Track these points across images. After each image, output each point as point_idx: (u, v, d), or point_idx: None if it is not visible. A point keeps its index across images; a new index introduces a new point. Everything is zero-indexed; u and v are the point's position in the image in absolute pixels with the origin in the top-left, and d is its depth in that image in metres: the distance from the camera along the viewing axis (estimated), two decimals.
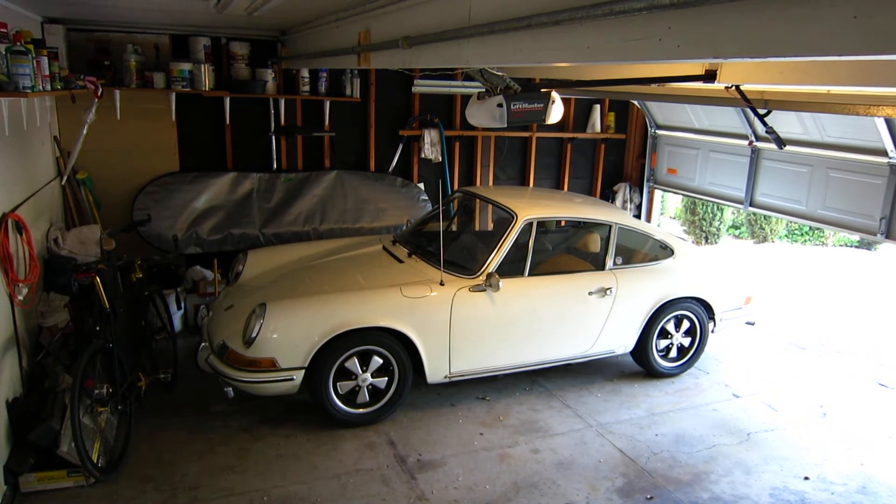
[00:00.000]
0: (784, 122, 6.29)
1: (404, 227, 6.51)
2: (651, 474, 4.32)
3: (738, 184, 7.01)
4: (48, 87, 4.14)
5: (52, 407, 3.96)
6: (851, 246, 12.60)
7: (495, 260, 4.85)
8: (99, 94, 5.28)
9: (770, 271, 10.16)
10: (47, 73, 4.11)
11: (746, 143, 5.83)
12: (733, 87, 4.12)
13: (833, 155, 5.94)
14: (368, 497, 3.93)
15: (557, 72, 5.99)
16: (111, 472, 3.95)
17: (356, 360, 4.52)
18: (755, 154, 6.75)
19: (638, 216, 8.48)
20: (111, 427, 4.30)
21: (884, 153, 5.48)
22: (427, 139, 7.39)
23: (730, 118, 6.84)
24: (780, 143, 4.54)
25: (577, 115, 8.23)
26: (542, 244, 5.62)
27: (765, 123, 4.50)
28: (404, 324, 4.53)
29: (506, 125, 4.87)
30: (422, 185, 7.50)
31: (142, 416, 4.58)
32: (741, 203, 7.02)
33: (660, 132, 8.17)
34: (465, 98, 7.19)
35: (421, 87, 7.30)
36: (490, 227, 6.31)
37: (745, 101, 4.30)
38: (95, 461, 3.84)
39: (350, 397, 4.61)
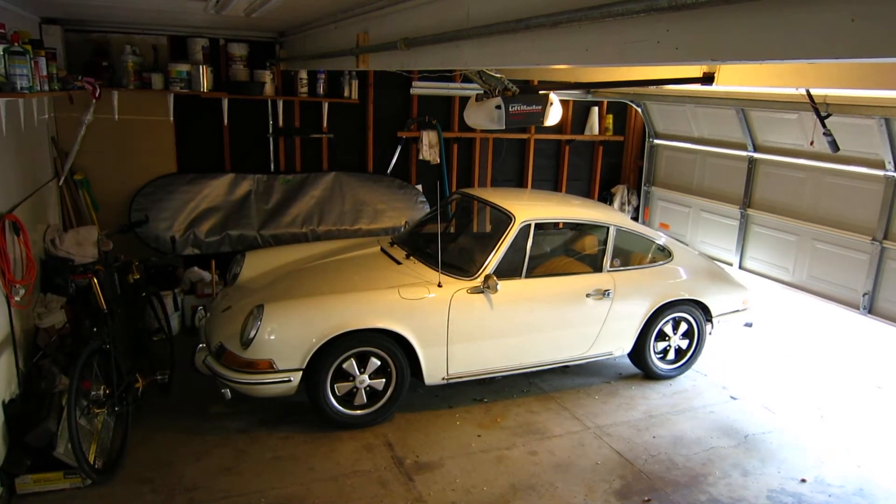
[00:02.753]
0: (778, 191, 6.51)
1: (402, 229, 6.51)
2: (649, 476, 4.32)
3: (728, 245, 7.13)
4: (46, 88, 4.14)
5: (49, 408, 3.95)
6: None
7: (493, 262, 4.84)
8: (97, 94, 5.28)
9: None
10: (45, 73, 4.11)
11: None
12: (804, 91, 4.16)
13: (819, 228, 6.10)
14: (366, 499, 3.92)
15: (556, 73, 6.00)
16: (108, 474, 3.94)
17: (354, 362, 4.52)
18: (744, 219, 6.91)
19: (636, 218, 8.48)
20: (108, 428, 4.28)
21: (870, 231, 5.62)
22: (425, 141, 7.39)
23: (730, 182, 7.02)
24: (835, 146, 4.59)
25: (576, 117, 8.25)
26: (540, 246, 5.62)
27: (824, 125, 4.55)
28: (402, 325, 4.52)
29: (504, 127, 4.87)
30: (420, 187, 7.50)
31: (139, 418, 4.56)
32: (731, 265, 7.12)
33: (654, 188, 8.30)
34: (464, 100, 7.19)
35: (419, 88, 7.30)
36: (488, 228, 6.31)
37: (811, 104, 4.35)
38: (92, 463, 3.83)
39: (348, 399, 4.60)
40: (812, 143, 5.60)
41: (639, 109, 8.03)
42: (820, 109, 4.66)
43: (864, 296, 5.69)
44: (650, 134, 8.14)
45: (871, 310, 5.68)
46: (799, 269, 6.36)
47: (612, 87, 7.43)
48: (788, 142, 6.27)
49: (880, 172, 5.47)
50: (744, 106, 6.19)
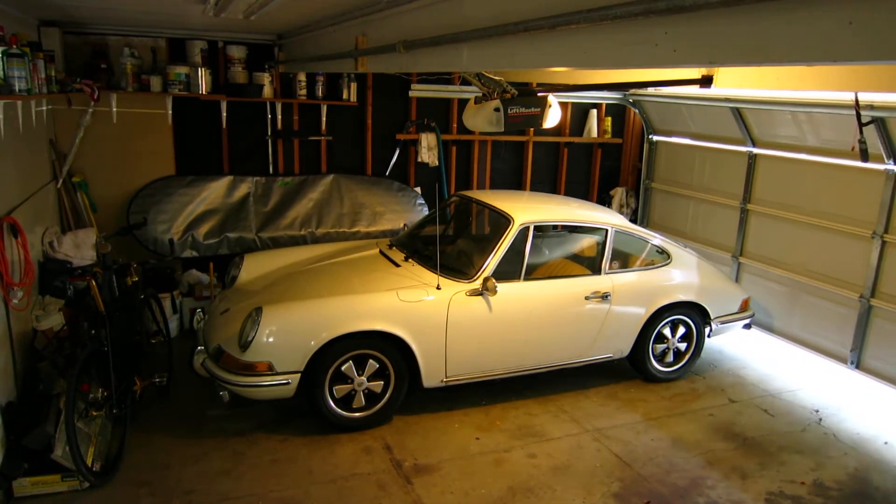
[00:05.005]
0: (769, 241, 6.62)
1: (401, 231, 6.50)
2: (647, 479, 4.31)
3: None
4: (44, 90, 4.15)
5: (47, 411, 3.94)
6: None
7: (492, 264, 4.84)
8: (95, 97, 5.28)
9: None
10: (43, 75, 4.12)
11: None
12: (854, 97, 4.18)
13: (809, 280, 6.16)
14: (365, 502, 3.92)
15: (554, 76, 6.00)
16: (106, 477, 3.93)
17: (352, 364, 4.52)
18: (738, 266, 6.98)
19: (634, 220, 8.49)
20: (106, 431, 4.28)
21: (857, 288, 5.67)
22: (424, 143, 7.39)
23: (723, 230, 7.12)
24: (866, 155, 4.62)
25: (574, 120, 8.25)
26: (539, 248, 5.62)
27: (861, 132, 4.58)
28: (400, 328, 4.52)
29: (503, 129, 4.88)
30: (418, 189, 7.50)
31: (137, 420, 4.56)
32: None
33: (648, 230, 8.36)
34: (462, 102, 7.19)
35: (418, 91, 7.31)
36: (487, 231, 6.31)
37: (856, 108, 4.36)
38: (90, 465, 3.82)
39: (346, 401, 4.60)
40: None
41: (639, 117, 8.08)
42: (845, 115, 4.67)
43: (851, 351, 5.76)
44: (647, 174, 8.24)
45: (858, 365, 5.75)
46: (788, 318, 6.44)
47: (614, 89, 7.47)
48: (786, 192, 6.37)
49: (868, 232, 5.56)
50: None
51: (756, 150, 6.60)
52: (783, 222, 6.40)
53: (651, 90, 7.06)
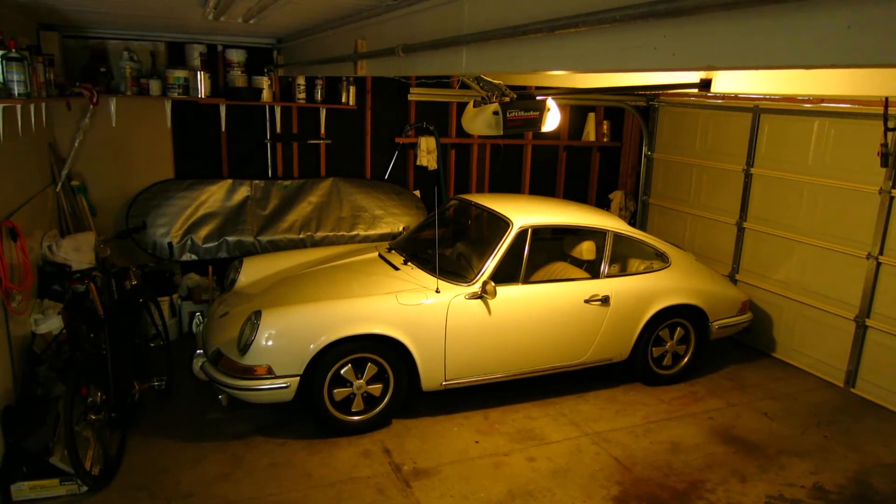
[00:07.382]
0: (765, 259, 6.61)
1: (400, 235, 6.50)
2: (646, 483, 4.31)
3: None
4: (43, 94, 4.15)
5: (46, 415, 3.93)
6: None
7: (491, 267, 4.84)
8: (94, 100, 5.28)
9: None
10: (42, 79, 4.12)
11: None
12: (884, 99, 4.19)
13: (805, 300, 6.17)
14: None
15: (554, 79, 6.00)
16: (104, 480, 3.92)
17: (352, 368, 4.51)
18: (735, 284, 6.99)
19: (633, 223, 8.49)
20: (104, 435, 4.26)
21: (853, 307, 5.69)
22: (423, 146, 7.40)
23: (719, 248, 7.13)
24: (885, 160, 4.62)
25: (573, 123, 8.26)
26: (538, 251, 5.61)
27: (885, 136, 4.58)
28: (399, 331, 4.52)
29: (502, 133, 4.87)
30: (417, 193, 7.51)
31: (136, 424, 4.55)
32: None
33: None
34: (461, 106, 7.20)
35: (417, 94, 7.31)
36: (486, 234, 6.31)
37: (884, 112, 4.35)
38: (88, 469, 3.81)
39: (345, 405, 4.59)
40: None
41: (642, 128, 8.09)
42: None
43: (847, 372, 5.76)
44: (645, 190, 8.25)
45: (854, 385, 5.74)
46: (784, 338, 6.44)
47: (613, 93, 7.46)
48: (782, 211, 6.39)
49: (863, 253, 5.57)
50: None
51: (753, 170, 6.61)
52: (780, 241, 6.40)
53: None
